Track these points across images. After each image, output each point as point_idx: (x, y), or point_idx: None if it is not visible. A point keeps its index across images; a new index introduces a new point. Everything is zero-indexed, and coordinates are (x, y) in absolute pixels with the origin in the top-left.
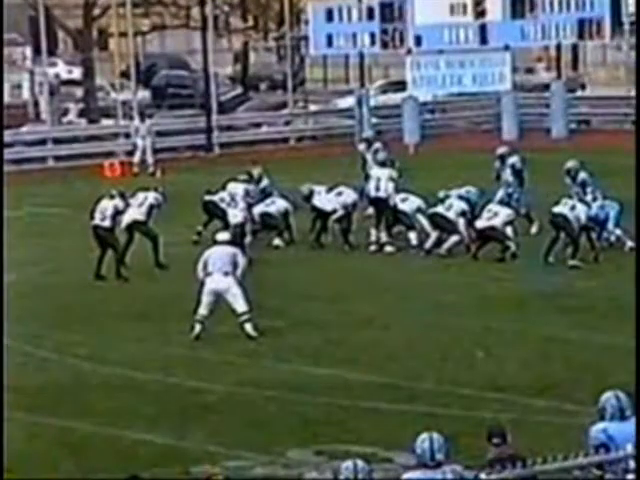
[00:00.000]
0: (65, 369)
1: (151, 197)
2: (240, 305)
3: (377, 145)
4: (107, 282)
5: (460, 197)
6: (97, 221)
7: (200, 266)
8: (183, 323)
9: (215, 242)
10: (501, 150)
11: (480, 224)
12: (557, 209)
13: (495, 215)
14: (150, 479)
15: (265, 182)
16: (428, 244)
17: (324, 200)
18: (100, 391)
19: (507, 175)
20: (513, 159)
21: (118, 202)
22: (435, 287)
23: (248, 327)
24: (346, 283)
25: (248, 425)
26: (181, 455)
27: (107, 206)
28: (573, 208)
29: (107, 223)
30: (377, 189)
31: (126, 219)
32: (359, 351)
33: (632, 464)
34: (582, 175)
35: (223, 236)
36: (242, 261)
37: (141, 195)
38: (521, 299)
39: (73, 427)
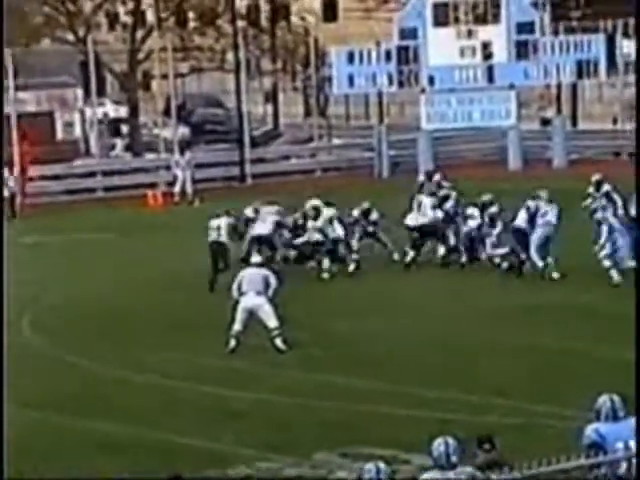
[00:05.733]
0: (106, 376)
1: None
2: (272, 321)
3: (436, 177)
4: (149, 296)
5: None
6: (214, 237)
7: (235, 286)
8: (218, 336)
9: (249, 265)
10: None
11: None
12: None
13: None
14: (191, 478)
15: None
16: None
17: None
18: (136, 396)
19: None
20: (449, 204)
21: (230, 219)
22: (442, 300)
23: (278, 341)
24: (362, 301)
25: (276, 430)
26: (215, 457)
27: (220, 224)
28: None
29: (223, 239)
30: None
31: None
32: (374, 362)
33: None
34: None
35: (256, 259)
36: (273, 282)
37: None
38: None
39: (113, 431)
